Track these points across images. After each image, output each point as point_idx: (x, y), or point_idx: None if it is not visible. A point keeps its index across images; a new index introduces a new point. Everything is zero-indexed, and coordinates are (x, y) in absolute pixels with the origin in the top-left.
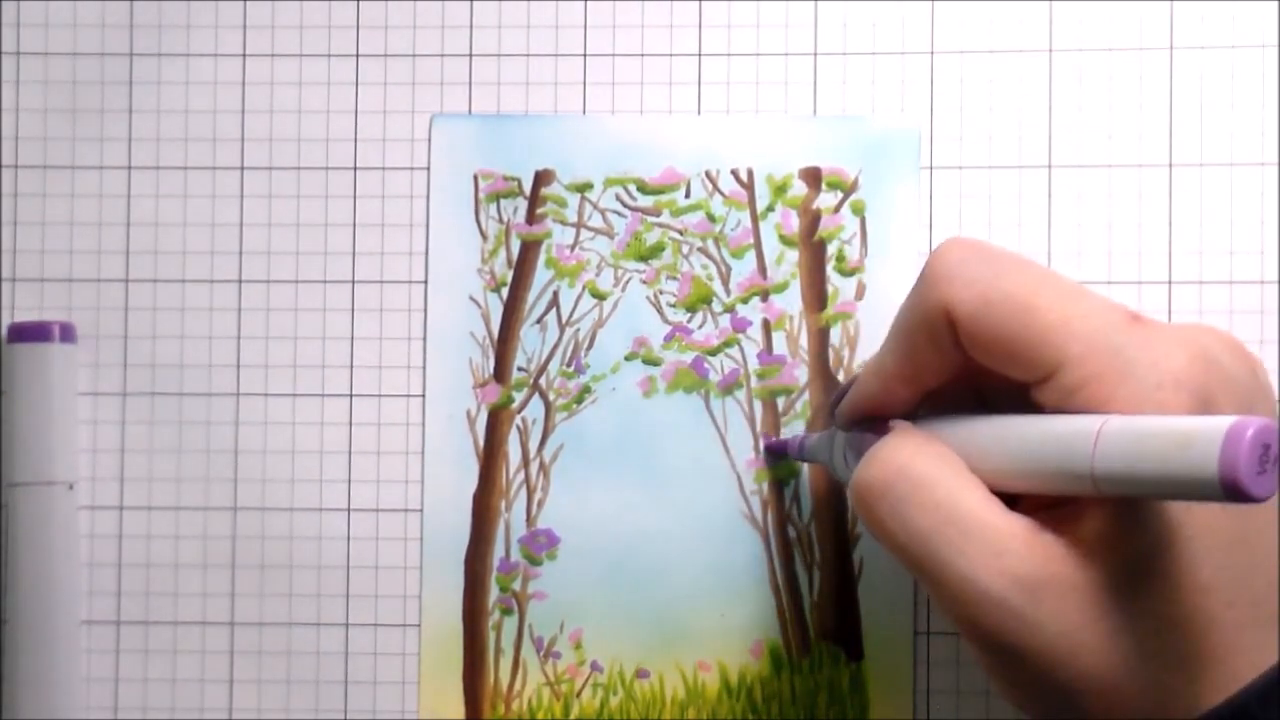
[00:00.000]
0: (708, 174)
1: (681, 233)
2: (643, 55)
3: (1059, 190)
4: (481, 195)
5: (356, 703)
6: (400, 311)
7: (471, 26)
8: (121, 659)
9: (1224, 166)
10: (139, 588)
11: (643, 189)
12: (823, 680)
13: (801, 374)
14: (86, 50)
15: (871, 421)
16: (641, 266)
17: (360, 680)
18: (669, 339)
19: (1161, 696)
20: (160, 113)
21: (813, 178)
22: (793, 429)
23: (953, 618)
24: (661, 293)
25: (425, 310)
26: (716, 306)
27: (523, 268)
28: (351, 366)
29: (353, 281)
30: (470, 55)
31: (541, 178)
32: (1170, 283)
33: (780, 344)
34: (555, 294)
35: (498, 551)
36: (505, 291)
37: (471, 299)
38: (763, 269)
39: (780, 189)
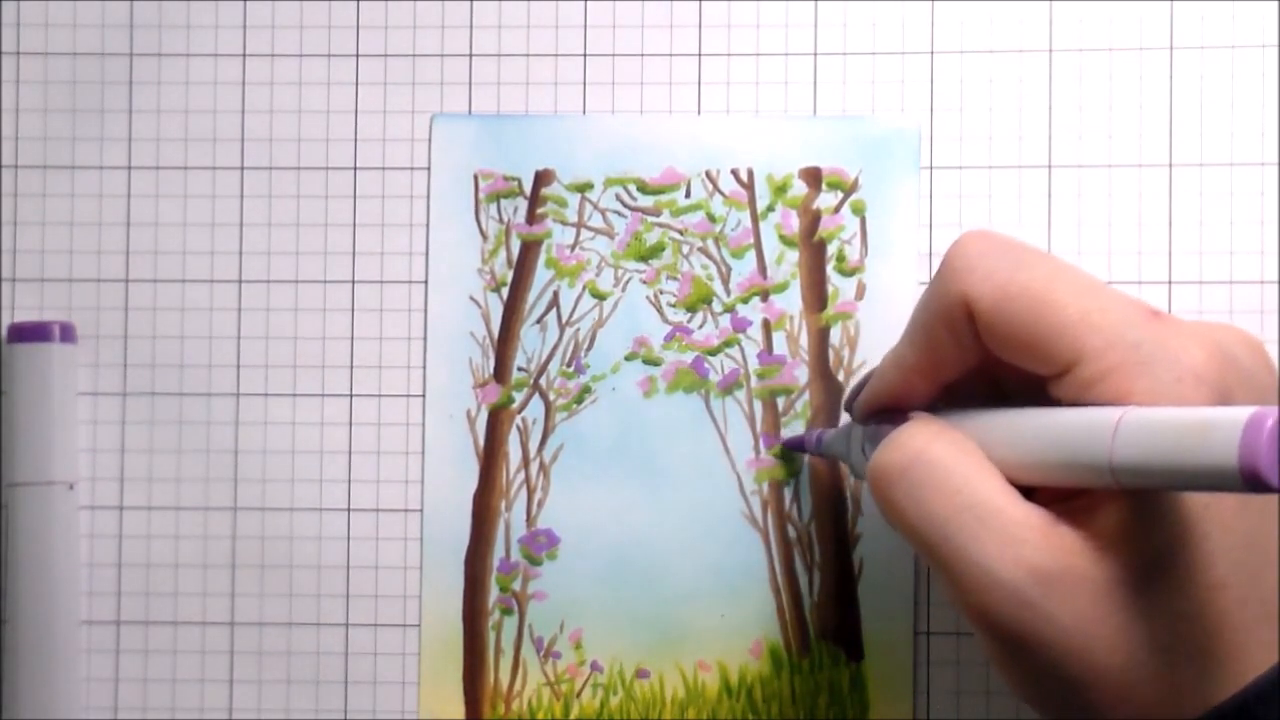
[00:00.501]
0: (708, 174)
1: (681, 233)
2: (643, 55)
3: (1059, 190)
4: (481, 195)
5: (356, 703)
6: (400, 311)
7: (471, 26)
8: (121, 659)
9: (1224, 166)
10: (139, 588)
11: (643, 189)
12: (823, 680)
13: (801, 374)
14: (86, 50)
15: (889, 414)
16: (641, 266)
17: (360, 680)
18: (669, 339)
19: (1171, 692)
20: (160, 113)
21: (813, 178)
22: (793, 429)
23: (964, 606)
24: (661, 293)
25: (425, 310)
26: (716, 306)
27: (523, 268)
28: (351, 366)
29: (353, 281)
30: (470, 55)
31: (541, 178)
32: (1170, 283)
33: (780, 344)
34: (555, 294)
35: (498, 551)
36: (505, 291)
37: (471, 299)
38: (763, 269)
39: (780, 189)
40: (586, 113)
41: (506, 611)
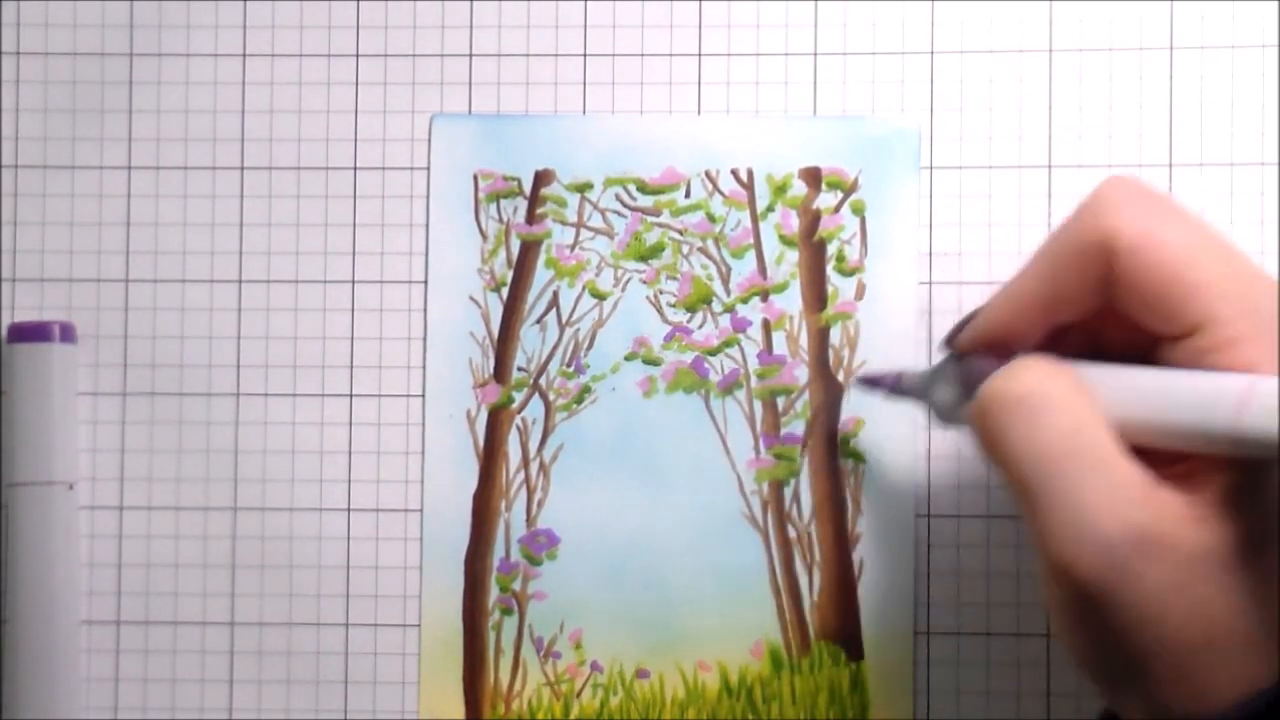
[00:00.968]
0: (708, 174)
1: (681, 233)
2: (643, 55)
3: (1059, 190)
4: (481, 195)
5: (356, 703)
6: (400, 311)
7: (471, 26)
8: (121, 659)
9: (1224, 166)
10: (139, 588)
11: (643, 189)
12: (823, 680)
13: (801, 374)
14: (86, 50)
15: (994, 351)
16: (641, 266)
17: (360, 680)
18: (669, 339)
19: (1228, 674)
20: (160, 113)
21: (813, 178)
22: (792, 429)
23: (1051, 551)
24: (661, 293)
25: (425, 310)
26: (716, 306)
27: (523, 268)
28: (351, 366)
29: (353, 281)
30: (470, 55)
31: (541, 178)
32: None
33: (780, 344)
34: (555, 294)
35: (498, 551)
36: (505, 291)
37: (471, 299)
38: (763, 269)
39: (780, 189)
40: (586, 113)
41: (506, 611)
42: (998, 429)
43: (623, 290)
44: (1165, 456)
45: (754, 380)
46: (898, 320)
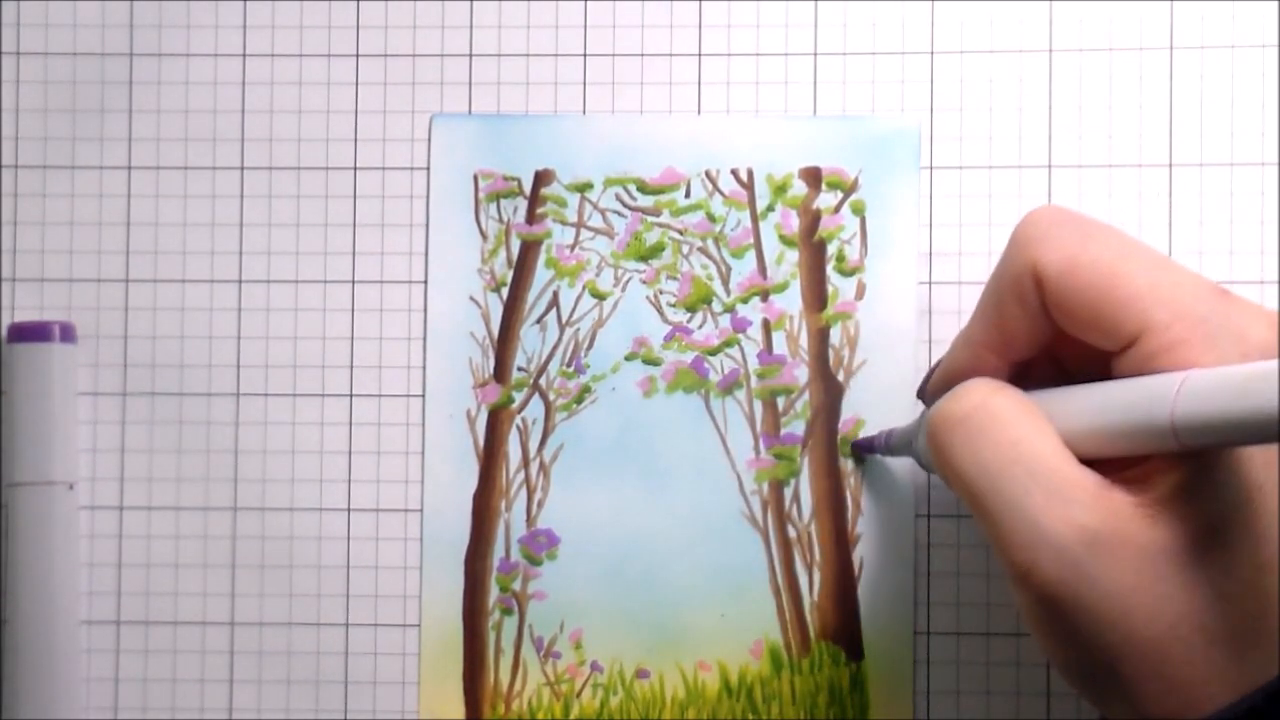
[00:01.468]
0: (708, 174)
1: (681, 233)
2: (643, 55)
3: (1060, 190)
4: (481, 195)
5: (356, 703)
6: (400, 311)
7: (471, 26)
8: (121, 659)
9: (1224, 166)
10: (139, 588)
11: (643, 189)
12: (823, 680)
13: (801, 374)
14: (86, 50)
15: None
16: (641, 266)
17: (360, 680)
18: (669, 339)
19: (1202, 675)
20: (160, 113)
21: (813, 178)
22: (792, 429)
23: (1008, 561)
24: (661, 293)
25: (425, 310)
26: (716, 306)
27: (523, 268)
28: (351, 366)
29: (353, 281)
30: (470, 55)
31: (541, 178)
32: None
33: (780, 344)
34: (555, 294)
35: (498, 551)
36: (505, 291)
37: (471, 299)
38: (763, 269)
39: (780, 189)
40: (586, 113)
41: (506, 611)
42: (946, 449)
43: (623, 290)
44: (1119, 464)
45: (754, 380)
46: (898, 320)
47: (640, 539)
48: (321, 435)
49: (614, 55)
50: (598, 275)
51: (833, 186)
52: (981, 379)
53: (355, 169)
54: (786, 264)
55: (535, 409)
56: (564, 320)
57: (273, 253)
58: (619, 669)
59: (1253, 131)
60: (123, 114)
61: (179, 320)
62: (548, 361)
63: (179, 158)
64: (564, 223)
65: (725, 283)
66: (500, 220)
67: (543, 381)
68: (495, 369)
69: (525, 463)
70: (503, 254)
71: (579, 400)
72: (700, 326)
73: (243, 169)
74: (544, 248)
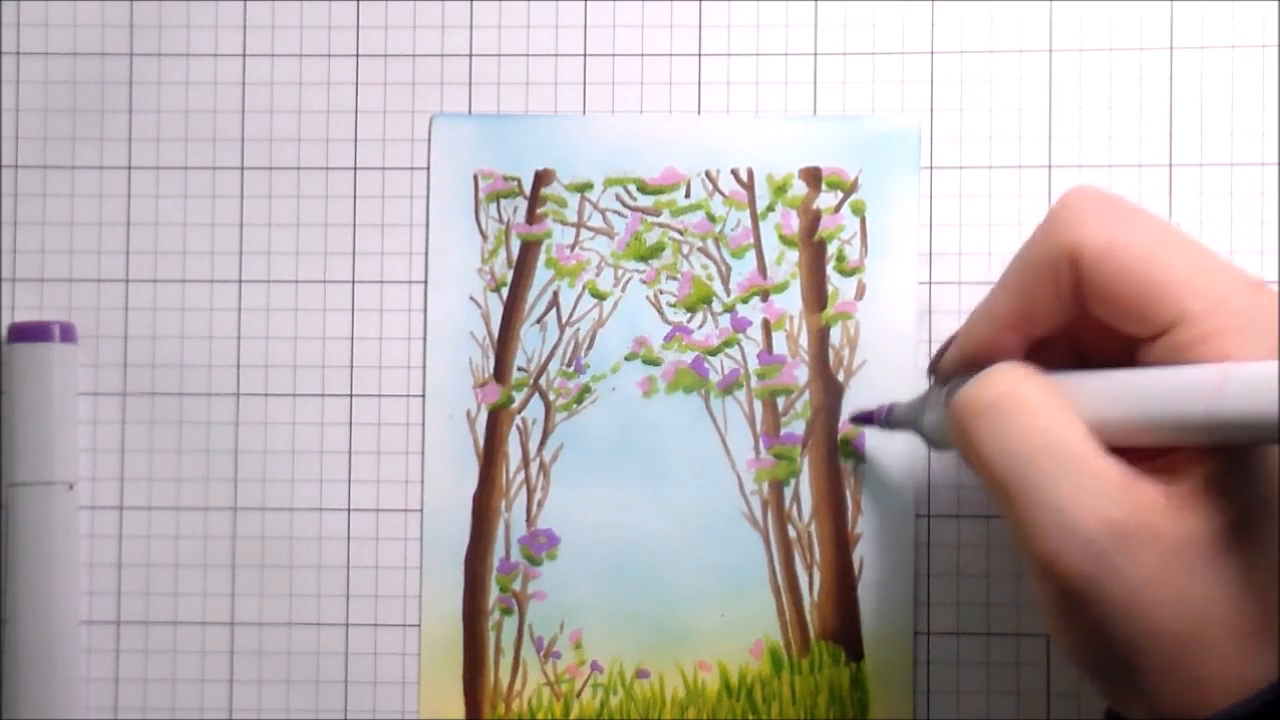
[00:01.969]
0: (708, 174)
1: (681, 233)
2: (643, 55)
3: (1059, 190)
4: (481, 195)
5: (356, 703)
6: (400, 311)
7: (471, 26)
8: (121, 659)
9: (1224, 166)
10: (139, 588)
11: (643, 189)
12: (823, 680)
13: (801, 374)
14: (86, 50)
15: (976, 371)
16: (641, 266)
17: (360, 680)
18: (669, 339)
19: (1221, 666)
20: (160, 113)
21: (813, 178)
22: (792, 429)
23: (1032, 551)
24: (661, 293)
25: (425, 310)
26: (716, 306)
27: (523, 268)
28: (351, 366)
29: (353, 281)
30: (470, 55)
31: (541, 178)
32: None
33: (780, 344)
34: (555, 294)
35: (498, 551)
36: (505, 291)
37: (471, 299)
38: (763, 269)
39: (780, 189)
40: (586, 113)
41: (506, 611)
42: (972, 435)
43: (623, 290)
44: (1146, 454)
45: (754, 380)
46: (898, 320)
47: (640, 539)
48: (321, 435)
49: (614, 55)
50: (598, 275)
51: (833, 186)
52: (1009, 364)
53: (355, 169)
54: (786, 264)
55: (535, 409)
56: (564, 320)
57: (273, 253)
58: (619, 669)
59: (1253, 131)
60: (123, 114)
61: (179, 320)
62: (548, 361)
63: (179, 158)
64: (564, 223)
65: (725, 283)
66: (500, 220)
67: (543, 381)
68: (495, 369)
69: (525, 463)
70: (503, 254)
71: (579, 400)
72: (700, 326)
73: (243, 169)
74: (544, 248)
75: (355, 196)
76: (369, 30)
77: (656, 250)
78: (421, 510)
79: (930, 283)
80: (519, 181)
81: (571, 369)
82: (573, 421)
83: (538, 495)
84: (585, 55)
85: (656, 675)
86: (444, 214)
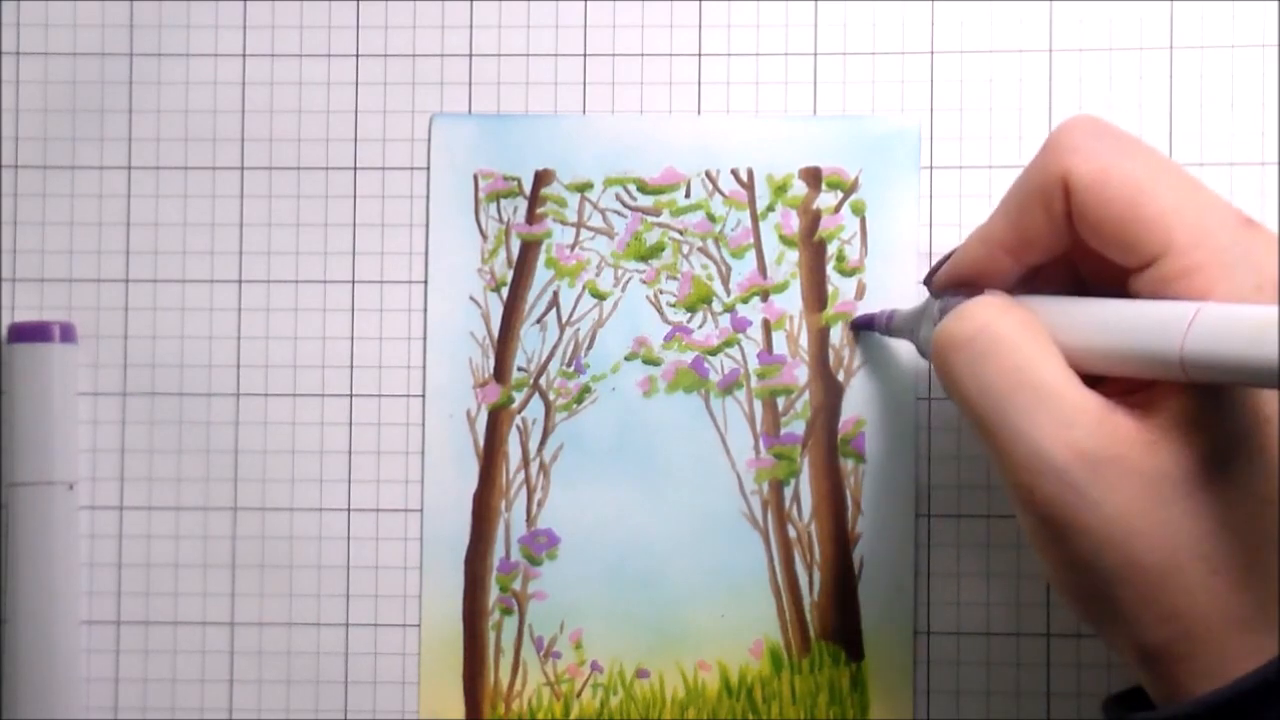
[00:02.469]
0: (708, 174)
1: (681, 233)
2: (643, 55)
3: None
4: (481, 195)
5: (356, 703)
6: (400, 311)
7: (471, 26)
8: (121, 659)
9: (1224, 166)
10: (139, 588)
11: (643, 189)
12: (823, 680)
13: (801, 374)
14: (86, 50)
15: (967, 289)
16: (641, 266)
17: (360, 680)
18: (669, 339)
19: (1202, 600)
20: (160, 113)
21: (813, 178)
22: (792, 429)
23: (1011, 483)
24: (661, 293)
25: (425, 310)
26: (716, 306)
27: (523, 268)
28: (351, 366)
29: (353, 281)
30: (470, 55)
31: (541, 178)
32: None
33: (780, 344)
34: (555, 294)
35: (498, 551)
36: (505, 291)
37: (471, 299)
38: (763, 269)
39: (780, 189)
40: (586, 113)
41: (506, 611)
42: (948, 369)
43: (623, 290)
44: (1125, 385)
45: (754, 380)
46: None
47: (640, 539)
48: (321, 435)
49: (614, 55)
50: (598, 275)
51: (833, 186)
52: (988, 297)
53: (355, 169)
54: (786, 264)
55: (535, 409)
56: (564, 320)
57: (273, 253)
58: (619, 669)
59: (1253, 131)
60: (123, 114)
61: (179, 320)
62: (548, 361)
63: (179, 158)
64: (564, 223)
65: (725, 283)
66: (500, 220)
67: (543, 381)
68: (495, 369)
69: (525, 463)
70: (503, 254)
71: (579, 400)
72: (700, 326)
73: (243, 169)
74: (544, 248)
75: (355, 196)
76: (369, 30)
77: (656, 250)
78: (421, 510)
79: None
80: (519, 181)
81: (571, 369)
82: (573, 421)
83: (538, 495)
84: (585, 55)
85: (656, 675)
86: (444, 214)
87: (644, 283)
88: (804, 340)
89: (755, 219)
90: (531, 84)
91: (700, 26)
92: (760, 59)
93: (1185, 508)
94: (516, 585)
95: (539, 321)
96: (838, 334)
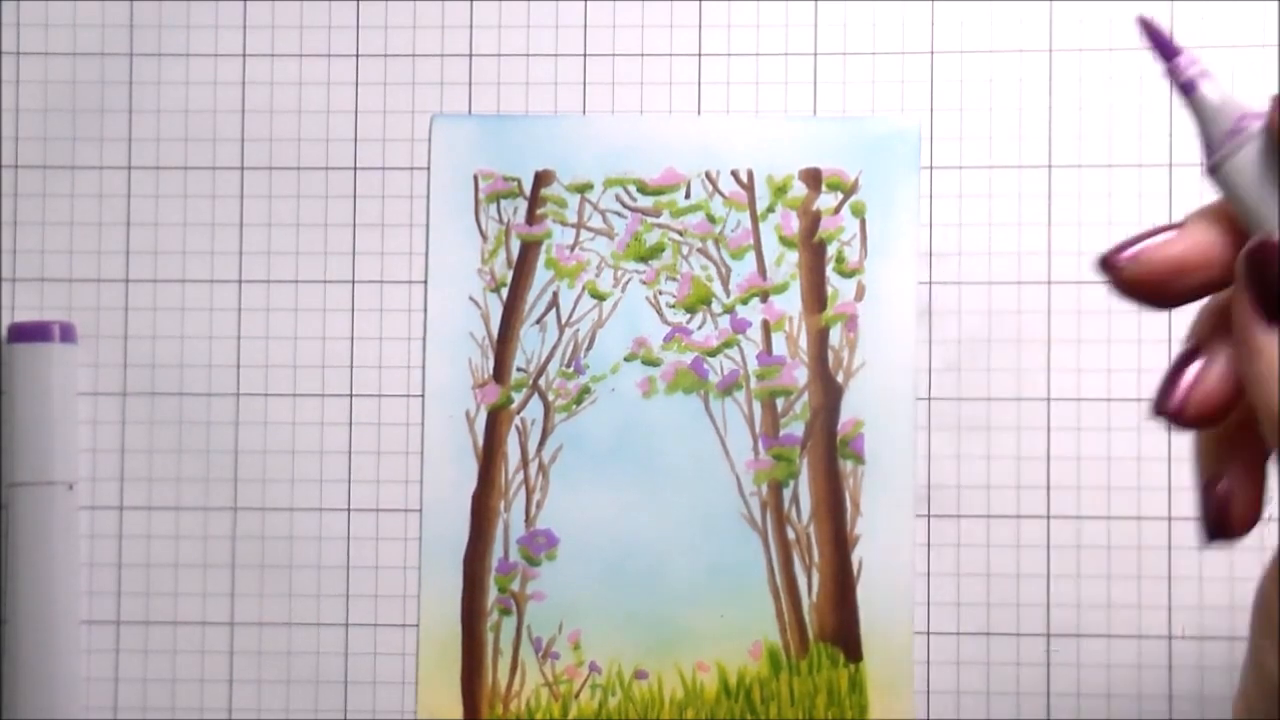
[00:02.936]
0: (708, 174)
1: (681, 233)
2: (643, 55)
3: (1059, 190)
4: (481, 195)
5: (356, 703)
6: (400, 311)
7: (471, 26)
8: (121, 659)
9: None
10: (139, 588)
11: (643, 189)
12: (822, 681)
13: (801, 374)
14: (86, 50)
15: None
16: (641, 267)
17: (360, 680)
18: (669, 339)
19: None
20: (160, 113)
21: (813, 178)
22: (792, 430)
23: None
24: (661, 293)
25: (425, 310)
26: (716, 307)
27: (523, 268)
28: (351, 366)
29: (353, 281)
30: (470, 55)
31: (541, 178)
32: None
33: (780, 345)
34: (555, 294)
35: (496, 552)
36: (505, 291)
37: (471, 299)
38: (762, 270)
39: (780, 190)
40: (586, 113)
41: (505, 612)
42: None
43: (622, 291)
44: None
45: (753, 381)
46: (898, 321)
47: (640, 539)
48: (321, 435)
49: (614, 55)
50: (598, 276)
51: (833, 187)
52: None
53: (355, 169)
54: (786, 265)
55: (535, 409)
56: (564, 321)
57: (273, 253)
58: (617, 669)
59: None
60: (123, 114)
61: (179, 320)
62: (547, 362)
63: (179, 158)
64: (564, 223)
65: (725, 284)
66: (500, 220)
67: (542, 382)
68: (495, 369)
69: (524, 463)
70: (503, 254)
71: (578, 401)
72: (700, 327)
73: (243, 169)
74: (544, 248)
75: (355, 196)
76: (369, 30)
77: (656, 251)
78: (421, 510)
79: (930, 283)
80: (519, 182)
81: (571, 369)
82: (572, 422)
83: (537, 496)
84: (585, 55)
85: (655, 676)
86: (444, 214)
87: (644, 283)
88: (803, 341)
89: (755, 220)
90: (531, 84)
91: (700, 26)
92: (760, 59)
93: None
94: (515, 586)
95: (539, 322)
96: (837, 335)
